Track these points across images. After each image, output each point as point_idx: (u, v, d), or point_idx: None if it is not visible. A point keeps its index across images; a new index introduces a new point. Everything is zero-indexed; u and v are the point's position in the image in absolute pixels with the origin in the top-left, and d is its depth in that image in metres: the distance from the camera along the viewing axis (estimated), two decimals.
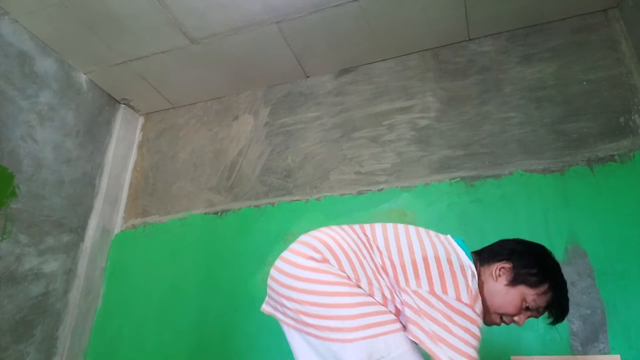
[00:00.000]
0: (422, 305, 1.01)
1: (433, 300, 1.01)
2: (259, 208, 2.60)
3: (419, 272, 1.06)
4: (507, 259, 1.16)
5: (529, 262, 1.15)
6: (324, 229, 1.24)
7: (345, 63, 2.77)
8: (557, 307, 1.15)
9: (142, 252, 2.75)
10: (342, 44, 2.61)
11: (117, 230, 2.91)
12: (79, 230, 2.68)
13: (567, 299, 1.17)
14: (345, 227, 1.24)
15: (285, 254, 1.19)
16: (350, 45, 2.62)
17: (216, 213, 2.69)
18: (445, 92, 2.49)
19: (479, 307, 1.03)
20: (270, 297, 1.21)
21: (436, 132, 2.41)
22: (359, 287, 1.08)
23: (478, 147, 2.29)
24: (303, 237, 1.22)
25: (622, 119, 2.11)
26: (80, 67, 2.80)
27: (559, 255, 1.93)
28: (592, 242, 1.93)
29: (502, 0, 2.31)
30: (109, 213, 2.88)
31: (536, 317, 1.17)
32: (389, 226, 1.21)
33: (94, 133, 2.87)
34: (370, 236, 1.18)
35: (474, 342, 0.97)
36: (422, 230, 1.19)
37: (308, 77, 2.88)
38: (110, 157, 2.94)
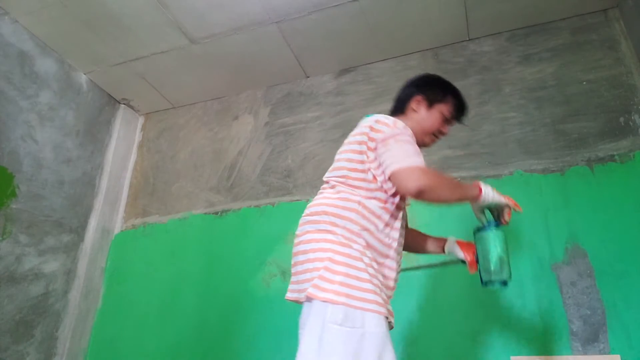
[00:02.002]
0: (381, 148, 1.27)
1: (386, 137, 1.27)
2: (259, 208, 2.60)
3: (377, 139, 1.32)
4: (417, 93, 1.47)
5: (431, 86, 1.48)
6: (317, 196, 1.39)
7: (345, 63, 2.77)
8: (463, 107, 1.49)
9: (142, 252, 2.75)
10: (342, 44, 2.61)
11: (117, 230, 2.91)
12: (79, 230, 2.68)
13: (465, 98, 1.50)
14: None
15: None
16: (350, 45, 2.62)
17: (216, 213, 2.69)
18: None
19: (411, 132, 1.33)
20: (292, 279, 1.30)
21: None
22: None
23: (478, 147, 2.29)
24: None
25: (622, 119, 2.11)
26: (80, 67, 2.80)
27: (559, 255, 1.94)
28: (592, 242, 1.93)
29: (502, 0, 2.31)
30: (109, 213, 2.88)
31: (451, 125, 1.50)
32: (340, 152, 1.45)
33: (94, 133, 2.87)
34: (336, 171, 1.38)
35: (413, 150, 1.25)
36: (350, 139, 1.41)
37: (308, 77, 2.88)
38: (110, 157, 2.94)
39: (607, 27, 2.31)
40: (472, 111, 2.39)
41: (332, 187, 1.33)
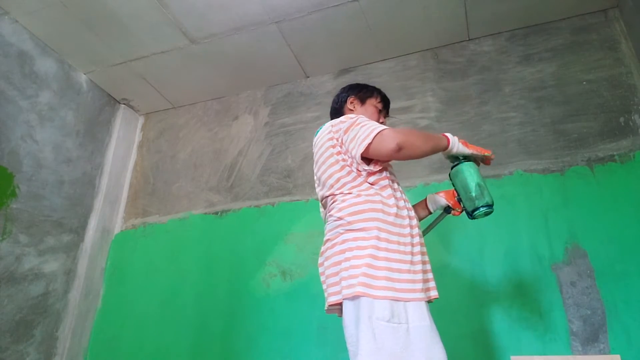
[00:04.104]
0: (347, 136, 1.36)
1: (347, 127, 1.37)
2: (259, 208, 2.60)
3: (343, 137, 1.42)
4: (349, 96, 1.63)
5: (357, 88, 1.65)
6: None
7: (345, 63, 2.77)
8: (385, 97, 1.66)
9: (142, 252, 2.75)
10: (342, 44, 2.61)
11: (117, 230, 2.91)
12: (79, 230, 2.68)
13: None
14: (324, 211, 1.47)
15: None
16: (350, 45, 2.62)
17: (216, 213, 2.69)
18: (445, 92, 2.49)
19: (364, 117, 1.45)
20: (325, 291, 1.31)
21: (436, 132, 2.38)
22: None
23: None
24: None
25: (622, 119, 2.11)
26: (80, 67, 2.80)
27: (558, 255, 1.94)
28: (592, 242, 1.93)
29: (502, 0, 2.31)
30: (109, 213, 2.88)
31: (385, 115, 1.66)
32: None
33: (94, 133, 2.87)
34: (329, 187, 1.41)
35: (376, 123, 1.34)
36: (320, 150, 1.45)
37: (308, 77, 2.88)
38: (110, 157, 2.94)
39: (607, 27, 2.31)
40: (472, 111, 2.40)
41: (342, 193, 1.35)
